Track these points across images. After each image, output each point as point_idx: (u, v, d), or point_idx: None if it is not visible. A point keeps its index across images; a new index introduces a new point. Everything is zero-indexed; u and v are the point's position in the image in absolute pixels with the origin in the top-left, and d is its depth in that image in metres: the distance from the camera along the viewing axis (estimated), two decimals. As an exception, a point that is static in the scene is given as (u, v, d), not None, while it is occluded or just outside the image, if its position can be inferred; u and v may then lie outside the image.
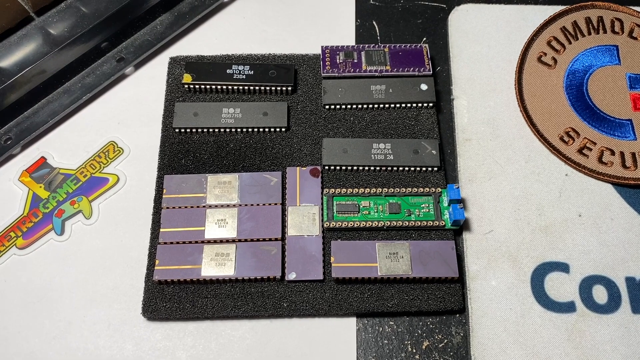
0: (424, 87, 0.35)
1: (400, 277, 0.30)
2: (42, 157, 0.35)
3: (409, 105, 0.35)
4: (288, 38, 0.39)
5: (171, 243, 0.31)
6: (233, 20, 0.39)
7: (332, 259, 0.30)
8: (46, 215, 0.33)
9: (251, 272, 0.30)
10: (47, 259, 0.32)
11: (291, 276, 0.30)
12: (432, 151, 0.33)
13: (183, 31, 0.39)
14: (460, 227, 0.32)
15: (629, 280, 0.31)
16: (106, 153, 0.35)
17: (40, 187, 0.34)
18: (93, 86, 0.36)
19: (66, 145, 0.35)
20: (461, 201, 0.31)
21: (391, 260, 0.30)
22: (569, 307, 0.30)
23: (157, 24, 0.38)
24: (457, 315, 0.31)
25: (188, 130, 0.34)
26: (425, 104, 0.35)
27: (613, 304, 0.30)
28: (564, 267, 0.31)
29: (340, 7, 0.40)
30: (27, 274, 0.31)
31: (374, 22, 0.39)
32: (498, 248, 0.32)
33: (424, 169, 0.33)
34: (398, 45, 0.36)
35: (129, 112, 0.36)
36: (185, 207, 0.32)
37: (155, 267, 0.30)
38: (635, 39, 0.37)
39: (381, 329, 0.30)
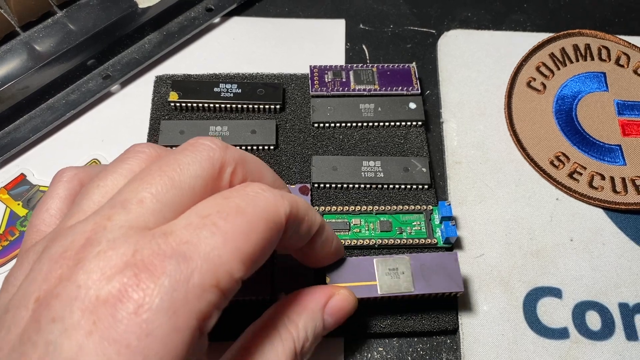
0: (412, 105, 0.35)
1: (402, 295, 0.27)
2: (22, 174, 0.34)
3: (398, 123, 0.35)
4: (277, 59, 0.38)
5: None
6: (222, 41, 0.39)
7: (328, 279, 0.27)
8: (23, 233, 0.32)
9: (240, 293, 0.29)
10: (22, 277, 0.30)
11: (281, 297, 0.29)
12: (422, 169, 0.33)
13: (171, 50, 0.38)
14: (452, 246, 0.31)
15: (622, 306, 0.30)
16: (88, 170, 0.34)
17: (19, 204, 0.33)
18: (77, 103, 0.35)
19: (47, 162, 0.34)
20: (453, 218, 0.30)
21: (391, 277, 0.27)
22: (562, 334, 0.30)
23: (145, 42, 0.38)
24: (448, 341, 0.30)
25: (174, 148, 0.33)
26: (414, 123, 0.35)
27: (607, 331, 0.30)
28: (556, 292, 0.31)
29: (330, 30, 0.40)
30: None
31: (363, 46, 0.39)
32: (489, 272, 0.31)
33: (414, 186, 0.32)
34: (386, 65, 0.36)
35: (114, 130, 0.35)
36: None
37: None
38: (622, 66, 0.38)
39: (369, 355, 0.29)
